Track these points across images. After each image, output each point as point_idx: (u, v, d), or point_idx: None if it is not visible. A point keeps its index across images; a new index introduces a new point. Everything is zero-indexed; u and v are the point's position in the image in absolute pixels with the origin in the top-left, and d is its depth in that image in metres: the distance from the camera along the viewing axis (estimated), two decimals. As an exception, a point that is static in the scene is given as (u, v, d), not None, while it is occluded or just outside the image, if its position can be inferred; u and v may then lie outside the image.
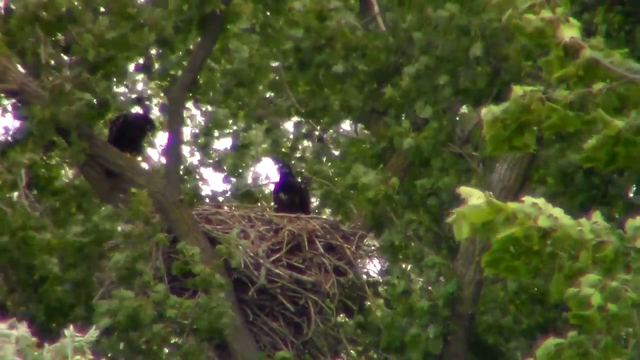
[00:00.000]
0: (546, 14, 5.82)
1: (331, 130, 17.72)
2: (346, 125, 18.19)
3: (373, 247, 14.70)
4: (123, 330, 12.42)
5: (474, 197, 5.24)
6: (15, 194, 13.56)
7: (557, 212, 5.36)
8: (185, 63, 14.87)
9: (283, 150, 17.59)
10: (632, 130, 5.67)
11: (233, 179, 18.07)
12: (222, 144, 18.50)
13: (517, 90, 5.92)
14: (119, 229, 13.40)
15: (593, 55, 5.85)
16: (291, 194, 15.07)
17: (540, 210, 5.32)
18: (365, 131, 16.36)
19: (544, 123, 5.88)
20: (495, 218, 5.27)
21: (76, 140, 13.15)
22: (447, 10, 12.18)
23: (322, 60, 14.20)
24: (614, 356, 5.79)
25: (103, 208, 13.71)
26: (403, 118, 13.49)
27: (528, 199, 5.37)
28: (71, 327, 5.17)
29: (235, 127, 17.84)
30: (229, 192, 17.77)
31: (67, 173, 15.23)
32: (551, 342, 5.88)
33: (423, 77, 12.89)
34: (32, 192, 13.82)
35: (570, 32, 5.84)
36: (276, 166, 16.90)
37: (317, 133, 17.28)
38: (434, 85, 12.77)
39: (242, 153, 17.81)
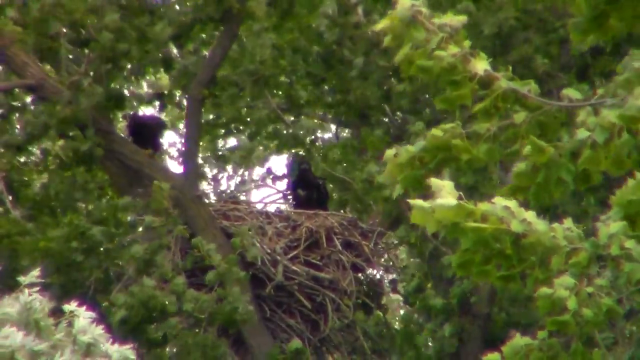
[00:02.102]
0: (453, 49, 5.78)
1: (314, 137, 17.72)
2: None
3: (391, 244, 14.67)
4: (138, 323, 12.43)
5: (444, 191, 5.17)
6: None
7: (530, 216, 5.30)
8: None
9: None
10: (565, 155, 5.64)
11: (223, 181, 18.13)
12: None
13: (435, 131, 5.92)
14: (129, 218, 13.45)
15: (511, 86, 5.83)
16: (309, 190, 15.05)
17: (512, 214, 5.25)
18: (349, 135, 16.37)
19: (463, 158, 5.87)
20: (465, 219, 5.21)
21: (92, 135, 13.18)
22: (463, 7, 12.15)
23: (342, 56, 14.23)
24: None
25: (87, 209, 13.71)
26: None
27: (499, 201, 5.29)
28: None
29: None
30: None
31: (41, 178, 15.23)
32: (519, 341, 5.85)
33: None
34: (8, 197, 13.86)
35: (481, 65, 5.82)
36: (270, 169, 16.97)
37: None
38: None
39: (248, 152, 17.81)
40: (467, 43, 5.81)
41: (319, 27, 14.54)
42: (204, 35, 14.91)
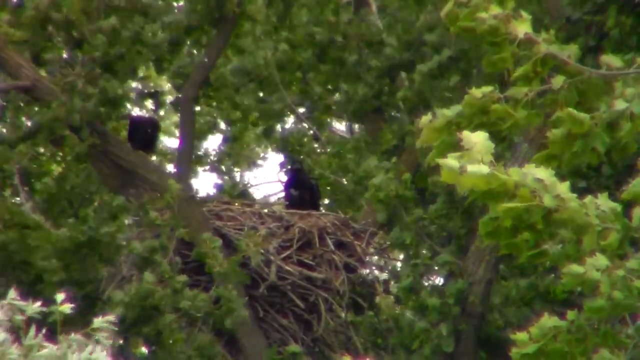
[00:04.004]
0: (495, 9, 5.69)
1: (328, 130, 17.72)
2: (340, 125, 18.27)
3: (384, 245, 14.68)
4: (135, 320, 12.42)
5: (476, 149, 5.06)
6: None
7: (564, 190, 5.20)
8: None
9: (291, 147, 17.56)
10: (602, 125, 5.59)
11: (227, 178, 18.10)
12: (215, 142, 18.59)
13: (475, 92, 5.80)
14: (126, 222, 13.44)
15: (551, 50, 5.76)
16: (302, 191, 15.06)
17: (545, 187, 5.15)
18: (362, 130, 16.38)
19: (506, 123, 5.77)
20: (496, 188, 5.10)
21: (87, 136, 13.17)
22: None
23: (336, 55, 14.25)
24: (613, 344, 5.70)
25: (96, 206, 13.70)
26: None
27: (531, 170, 5.20)
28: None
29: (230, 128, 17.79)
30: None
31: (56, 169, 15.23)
32: (548, 321, 5.78)
33: (436, 76, 12.91)
34: (24, 189, 13.88)
35: (522, 27, 5.72)
36: (284, 163, 16.92)
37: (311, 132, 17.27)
38: (446, 84, 12.78)
39: (236, 150, 17.80)
40: (510, 4, 5.73)
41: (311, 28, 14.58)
42: (202, 40, 14.89)
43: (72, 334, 4.63)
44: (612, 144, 5.61)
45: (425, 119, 5.85)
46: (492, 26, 5.72)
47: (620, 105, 5.58)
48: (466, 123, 5.81)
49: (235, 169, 18.58)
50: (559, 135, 5.68)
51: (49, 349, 4.50)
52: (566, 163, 5.78)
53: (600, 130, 5.57)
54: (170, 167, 17.43)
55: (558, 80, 5.80)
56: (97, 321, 4.77)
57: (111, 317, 4.83)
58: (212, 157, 18.20)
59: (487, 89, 5.82)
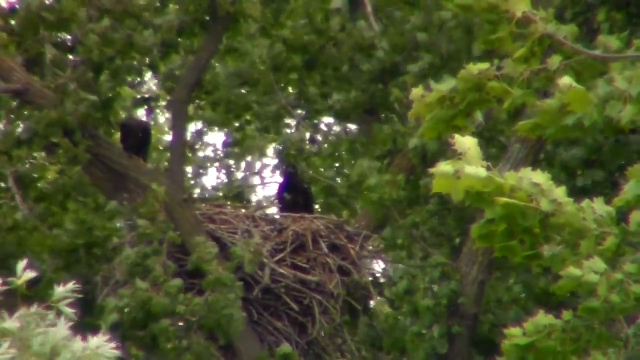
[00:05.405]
0: None
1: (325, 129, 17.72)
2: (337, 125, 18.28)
3: (377, 247, 14.66)
4: (130, 325, 12.38)
5: (470, 153, 4.97)
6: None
7: (561, 194, 5.14)
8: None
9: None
10: (599, 104, 5.49)
11: (225, 179, 18.12)
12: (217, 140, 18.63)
13: (471, 68, 5.70)
14: (119, 225, 13.42)
15: (548, 31, 5.67)
16: (295, 194, 15.06)
17: (542, 191, 5.09)
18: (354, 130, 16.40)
19: (504, 102, 5.67)
20: (493, 192, 5.03)
21: (80, 139, 13.15)
22: (450, 10, 12.19)
23: (327, 59, 14.25)
24: (607, 346, 5.66)
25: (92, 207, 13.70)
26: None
27: (527, 174, 5.13)
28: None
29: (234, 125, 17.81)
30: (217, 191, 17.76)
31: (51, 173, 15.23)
32: (543, 319, 5.73)
33: (427, 76, 12.91)
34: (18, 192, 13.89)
35: (521, 5, 5.63)
36: (279, 166, 16.93)
37: (308, 134, 17.26)
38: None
39: (238, 152, 17.81)
40: None
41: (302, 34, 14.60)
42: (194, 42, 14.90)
43: (34, 307, 4.52)
44: (604, 122, 5.53)
45: (417, 91, 5.75)
46: (491, 3, 5.62)
47: (621, 83, 5.51)
48: (459, 98, 5.72)
49: (234, 168, 18.58)
50: (552, 105, 5.59)
51: (8, 323, 4.39)
52: (552, 135, 5.70)
53: (592, 107, 5.49)
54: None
55: (554, 60, 5.72)
56: (59, 291, 4.64)
57: (72, 285, 4.70)
58: (219, 154, 18.22)
59: (483, 65, 5.73)
